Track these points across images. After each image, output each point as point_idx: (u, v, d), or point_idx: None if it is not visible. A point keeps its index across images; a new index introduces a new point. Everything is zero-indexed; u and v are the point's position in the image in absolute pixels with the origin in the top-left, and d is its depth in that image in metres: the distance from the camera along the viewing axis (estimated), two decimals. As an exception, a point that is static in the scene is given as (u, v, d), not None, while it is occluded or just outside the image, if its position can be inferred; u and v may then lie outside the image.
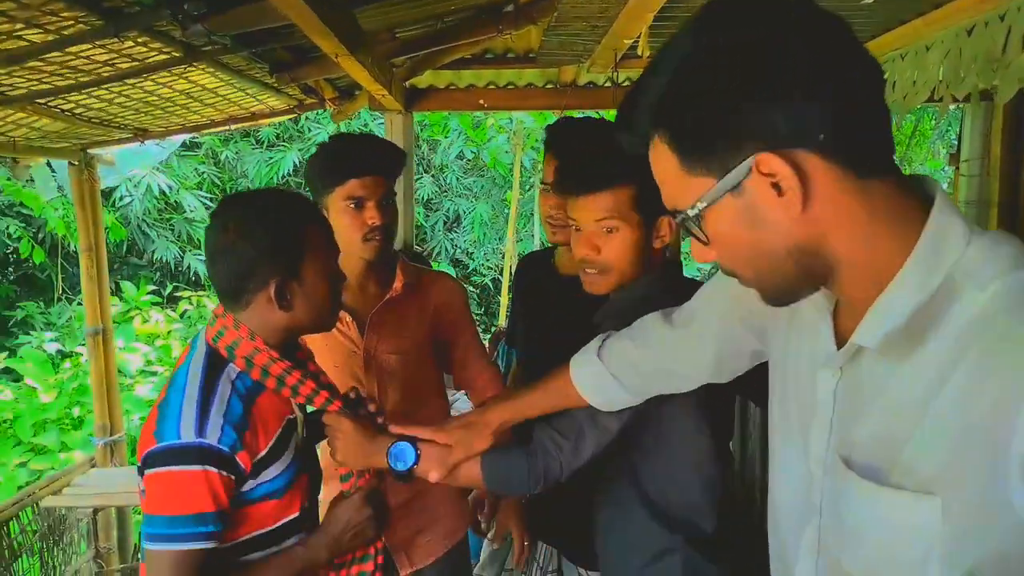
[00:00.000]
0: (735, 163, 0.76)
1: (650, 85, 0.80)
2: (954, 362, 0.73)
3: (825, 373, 0.89)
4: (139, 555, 3.96)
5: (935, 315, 0.75)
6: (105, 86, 2.73)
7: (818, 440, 0.91)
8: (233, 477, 1.31)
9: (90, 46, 2.26)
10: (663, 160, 0.82)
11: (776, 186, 0.75)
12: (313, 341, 1.75)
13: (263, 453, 1.35)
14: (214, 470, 1.27)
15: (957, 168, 3.97)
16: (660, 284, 1.51)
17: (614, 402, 1.34)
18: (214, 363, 1.37)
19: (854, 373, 0.85)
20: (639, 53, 2.34)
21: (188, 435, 1.27)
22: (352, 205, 1.78)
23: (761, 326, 1.09)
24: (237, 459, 1.30)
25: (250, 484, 1.35)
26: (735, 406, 1.66)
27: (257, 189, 1.49)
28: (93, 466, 3.95)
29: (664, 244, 1.50)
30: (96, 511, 3.71)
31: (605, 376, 1.32)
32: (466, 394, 2.17)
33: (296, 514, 1.44)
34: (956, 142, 4.10)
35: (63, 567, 3.74)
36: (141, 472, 1.31)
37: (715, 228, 0.82)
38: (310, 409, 1.52)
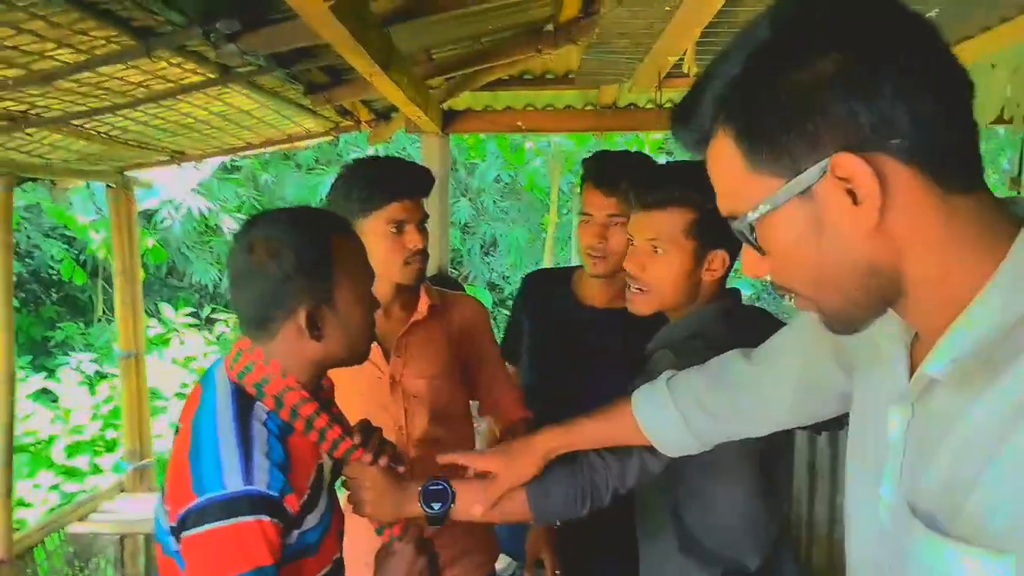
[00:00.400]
0: (809, 163, 0.67)
1: (719, 73, 0.72)
2: None
3: (897, 410, 0.80)
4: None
5: (1018, 347, 0.66)
6: (140, 108, 2.71)
7: (889, 487, 0.81)
8: (283, 525, 1.17)
9: (123, 66, 2.24)
10: (725, 157, 0.73)
11: (851, 193, 0.66)
12: (336, 370, 1.67)
13: (307, 496, 1.23)
14: (267, 519, 1.13)
15: (1019, 192, 3.79)
16: (715, 320, 1.44)
17: (677, 445, 1.25)
18: (243, 403, 1.23)
19: (926, 411, 0.76)
20: (685, 71, 2.24)
21: (235, 483, 1.12)
22: (393, 229, 1.73)
23: (850, 364, 0.97)
24: (286, 504, 1.17)
25: (293, 535, 1.21)
26: (790, 439, 1.58)
27: (283, 208, 1.36)
28: (122, 491, 3.90)
29: (714, 279, 1.45)
30: (123, 537, 3.66)
31: (671, 412, 1.23)
32: (490, 418, 2.11)
33: (329, 567, 1.31)
34: (1010, 166, 3.91)
35: (90, 593, 3.69)
36: (178, 534, 1.15)
37: (775, 237, 0.73)
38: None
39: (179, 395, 6.32)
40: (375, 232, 1.73)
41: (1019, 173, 3.85)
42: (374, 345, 1.74)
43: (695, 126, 0.76)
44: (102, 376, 7.04)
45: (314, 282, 1.23)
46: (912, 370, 0.79)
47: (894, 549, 0.80)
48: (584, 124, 3.87)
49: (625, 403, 1.28)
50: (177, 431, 1.27)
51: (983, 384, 0.69)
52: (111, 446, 5.80)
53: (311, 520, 1.24)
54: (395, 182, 1.75)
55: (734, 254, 1.43)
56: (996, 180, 10.86)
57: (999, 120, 2.41)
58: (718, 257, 1.43)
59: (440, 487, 1.35)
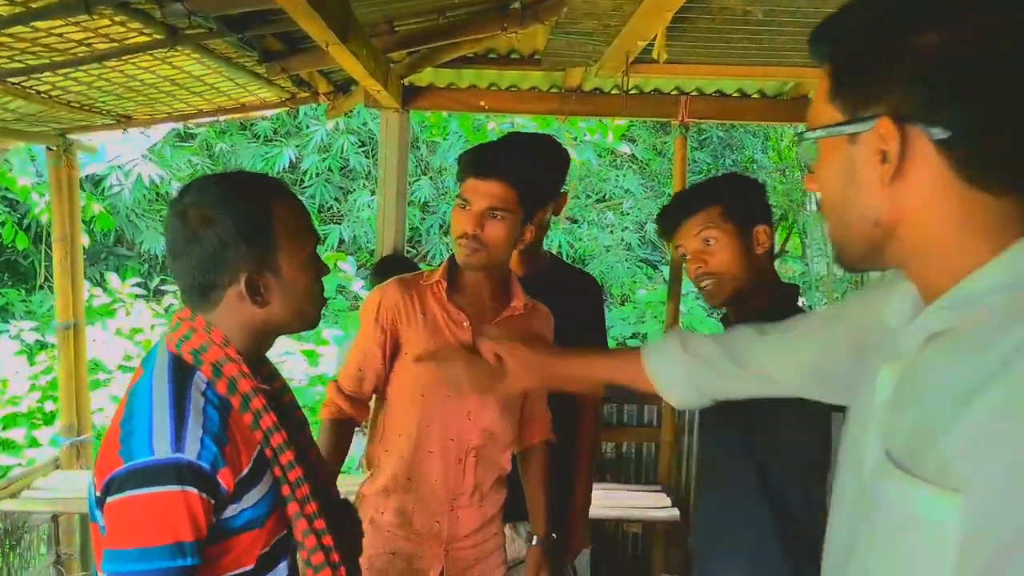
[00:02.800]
0: (864, 115, 0.77)
1: (847, 14, 0.82)
2: (1011, 362, 0.71)
3: (886, 369, 0.87)
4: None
5: (1005, 316, 0.74)
6: (83, 67, 2.57)
7: (873, 445, 0.86)
8: (213, 501, 1.12)
9: (62, 22, 2.11)
10: (822, 80, 0.83)
11: (883, 153, 0.76)
12: (418, 335, 1.77)
13: (245, 472, 1.18)
14: (194, 491, 1.09)
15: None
16: (785, 305, 1.66)
17: (680, 395, 1.34)
18: (181, 371, 1.20)
19: (915, 371, 0.82)
20: (655, 57, 2.18)
21: (163, 450, 1.09)
22: (461, 203, 1.77)
23: (862, 340, 1.02)
24: (219, 479, 1.12)
25: (232, 509, 1.17)
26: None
27: (218, 173, 1.33)
28: (57, 467, 3.76)
29: (765, 250, 1.68)
30: (56, 516, 3.53)
31: (679, 366, 1.31)
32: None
33: (270, 548, 1.24)
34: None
35: (20, 572, 3.55)
36: (101, 503, 1.11)
37: (822, 160, 0.85)
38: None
39: (123, 368, 6.12)
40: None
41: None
42: (467, 324, 1.81)
43: (818, 51, 0.84)
44: (42, 346, 6.81)
45: (254, 247, 1.20)
46: None
47: (868, 506, 0.85)
48: (548, 107, 3.80)
49: (636, 351, 1.38)
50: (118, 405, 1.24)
51: (966, 345, 0.76)
52: (49, 419, 5.61)
53: (251, 498, 1.19)
54: (474, 158, 1.77)
55: (774, 228, 1.71)
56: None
57: None
58: (761, 231, 1.68)
59: None
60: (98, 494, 1.13)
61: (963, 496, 0.71)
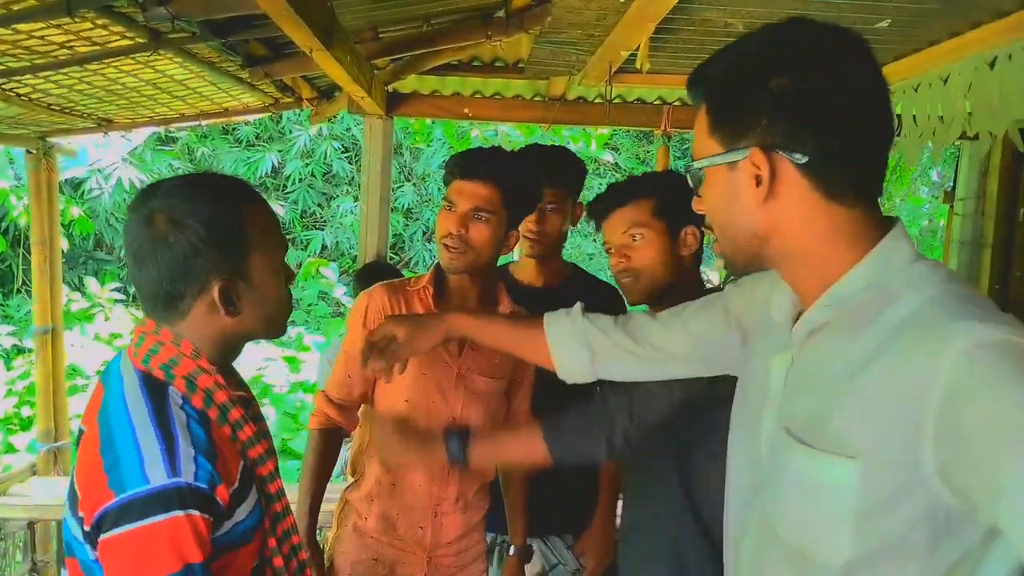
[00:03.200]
0: (739, 146, 0.93)
1: (718, 61, 0.97)
2: (886, 346, 0.87)
3: (778, 360, 1.04)
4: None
5: (875, 310, 0.91)
6: (64, 70, 2.55)
7: (768, 421, 1.04)
8: (212, 519, 1.06)
9: (44, 25, 2.09)
10: (701, 117, 0.99)
11: (757, 178, 0.92)
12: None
13: (236, 485, 1.12)
14: (196, 513, 1.03)
15: (951, 207, 3.87)
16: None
17: (576, 369, 1.42)
18: (154, 388, 1.11)
19: (803, 359, 1.00)
20: (638, 67, 2.19)
21: (159, 477, 1.01)
22: (447, 205, 1.76)
23: (745, 335, 1.22)
24: (216, 496, 1.06)
25: (227, 525, 1.11)
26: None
27: (184, 175, 1.24)
28: (34, 473, 3.71)
29: (691, 252, 1.65)
30: (33, 523, 3.48)
31: (579, 343, 1.40)
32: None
33: (260, 561, 1.20)
34: (952, 180, 3.99)
35: (-5, 580, 3.51)
36: (93, 539, 1.04)
37: (707, 185, 1.00)
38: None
39: (101, 373, 6.07)
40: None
41: (953, 186, 3.94)
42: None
43: (694, 94, 1.00)
44: (20, 351, 6.74)
45: (226, 254, 1.13)
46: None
47: (770, 470, 1.03)
48: (532, 115, 3.81)
49: (539, 323, 1.45)
50: (80, 436, 1.14)
51: (843, 338, 0.93)
52: (26, 425, 5.54)
53: (242, 512, 1.13)
54: (460, 160, 1.77)
55: (703, 231, 1.64)
56: (927, 193, 11.23)
57: (963, 136, 2.43)
58: (689, 233, 1.63)
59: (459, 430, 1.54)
60: (86, 529, 1.05)
61: (859, 461, 0.88)
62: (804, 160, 0.90)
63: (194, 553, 1.02)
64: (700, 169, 0.99)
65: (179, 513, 1.01)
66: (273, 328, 1.25)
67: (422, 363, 1.77)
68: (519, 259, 2.33)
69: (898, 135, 2.56)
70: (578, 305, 1.46)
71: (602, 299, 2.24)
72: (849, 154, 0.91)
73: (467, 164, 1.73)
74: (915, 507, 0.85)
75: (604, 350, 1.39)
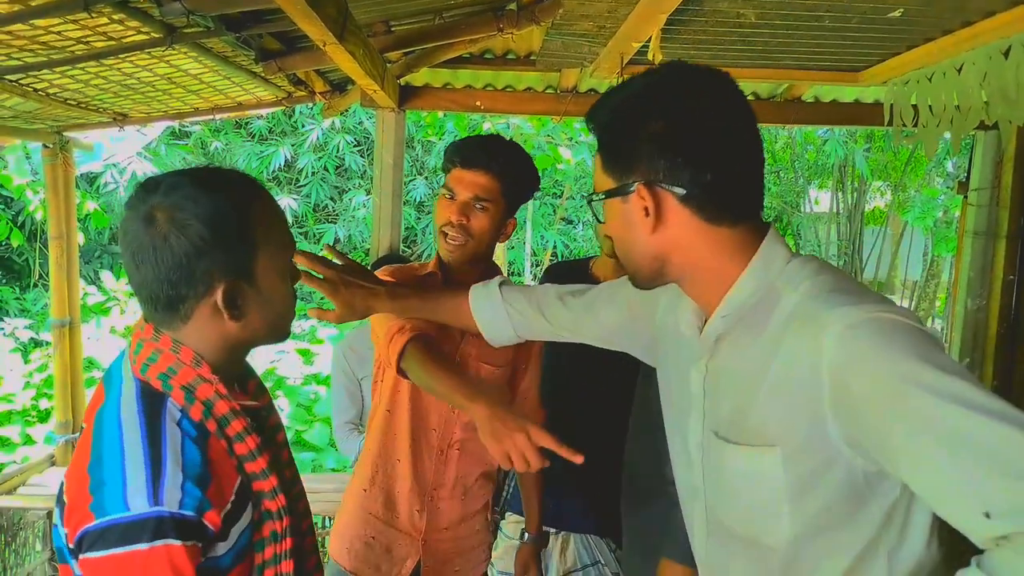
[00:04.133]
0: (627, 180, 1.06)
1: (606, 103, 1.10)
2: (780, 341, 1.00)
3: (695, 370, 1.15)
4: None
5: (766, 312, 1.04)
6: (80, 66, 2.58)
7: (695, 427, 1.16)
8: (200, 545, 1.01)
9: (60, 20, 2.12)
10: (597, 156, 1.12)
11: (645, 209, 1.05)
12: None
13: (230, 506, 1.06)
14: (177, 543, 0.97)
15: (966, 197, 3.85)
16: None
17: (499, 330, 1.60)
18: (150, 400, 1.06)
19: (715, 366, 1.12)
20: (650, 59, 2.19)
21: (139, 505, 0.97)
22: (446, 193, 1.77)
23: (655, 338, 1.33)
24: (205, 521, 1.01)
25: (221, 548, 1.05)
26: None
27: (187, 169, 1.15)
28: (53, 464, 3.76)
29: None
30: (52, 512, 3.53)
31: (500, 306, 1.58)
32: None
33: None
34: (967, 170, 3.96)
35: (15, 568, 3.55)
36: (75, 553, 1.01)
37: (607, 215, 1.13)
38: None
39: (117, 366, 6.12)
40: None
41: (968, 177, 3.91)
42: None
43: (591, 127, 1.13)
44: (37, 344, 6.81)
45: (232, 255, 1.07)
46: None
47: (705, 471, 1.15)
48: (544, 107, 3.80)
49: (462, 295, 1.61)
50: (82, 431, 1.12)
51: (747, 341, 1.06)
52: (44, 417, 5.60)
53: (236, 531, 1.08)
54: (459, 149, 1.77)
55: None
56: (941, 184, 11.13)
57: (981, 126, 2.42)
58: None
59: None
60: (70, 545, 1.02)
61: (778, 447, 1.00)
62: (683, 192, 1.02)
63: None
64: (599, 201, 1.12)
65: (157, 543, 0.97)
66: (278, 332, 1.20)
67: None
68: (595, 263, 2.32)
69: (914, 126, 2.56)
70: (495, 280, 1.60)
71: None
72: (722, 184, 1.02)
73: (466, 153, 1.74)
74: (837, 477, 0.97)
75: (521, 325, 1.58)
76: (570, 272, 2.38)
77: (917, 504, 0.99)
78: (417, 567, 1.86)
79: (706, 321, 1.13)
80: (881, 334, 0.91)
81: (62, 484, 1.08)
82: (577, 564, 2.27)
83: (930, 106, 2.40)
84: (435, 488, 1.86)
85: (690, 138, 1.02)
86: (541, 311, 1.54)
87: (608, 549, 2.28)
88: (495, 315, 1.58)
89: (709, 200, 1.03)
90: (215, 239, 1.04)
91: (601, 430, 1.99)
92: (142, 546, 0.97)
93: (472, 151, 1.74)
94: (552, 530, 2.24)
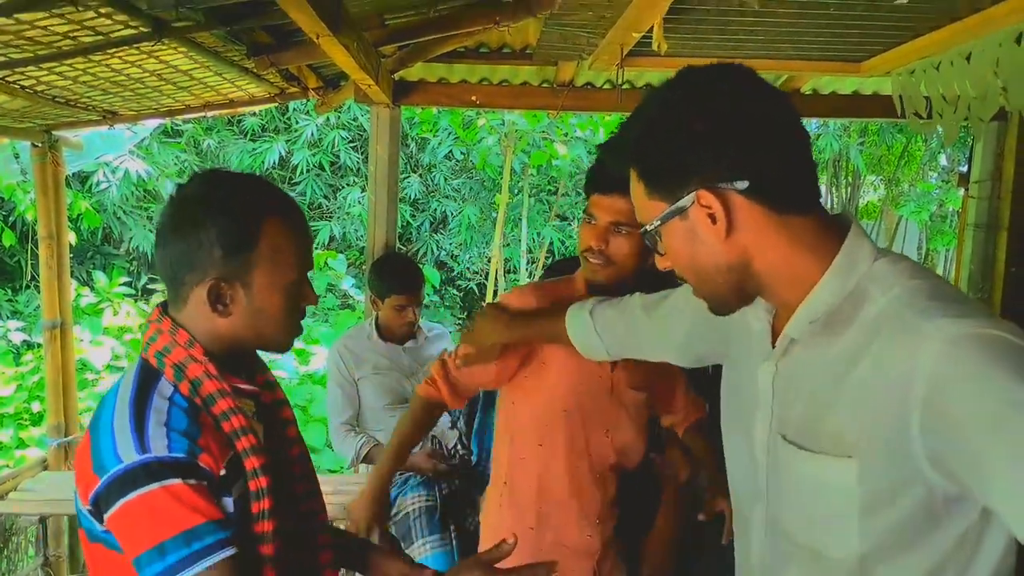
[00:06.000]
0: (683, 194, 0.99)
1: (629, 131, 1.06)
2: (865, 346, 0.94)
3: (765, 368, 1.10)
4: (91, 564, 3.73)
5: (849, 313, 0.98)
6: (68, 62, 2.53)
7: (761, 428, 1.11)
8: (206, 483, 1.09)
9: (46, 14, 2.06)
10: (635, 186, 1.06)
11: (712, 216, 0.97)
12: (561, 359, 1.78)
13: (224, 472, 1.13)
14: (176, 481, 1.06)
15: (966, 190, 3.82)
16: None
17: (592, 350, 1.65)
18: (145, 377, 1.16)
19: (788, 365, 1.06)
20: (655, 49, 2.14)
21: (129, 455, 1.06)
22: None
23: (727, 336, 1.27)
24: (201, 463, 1.09)
25: (229, 499, 1.13)
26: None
27: (231, 172, 1.26)
28: (45, 468, 3.71)
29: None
30: (45, 518, 3.48)
31: (591, 331, 1.61)
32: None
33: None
34: (967, 162, 3.94)
35: (8, 574, 3.50)
36: (97, 516, 1.10)
37: (667, 243, 1.05)
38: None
39: (111, 368, 6.06)
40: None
41: (968, 169, 3.88)
42: None
43: (620, 164, 1.09)
44: (29, 346, 6.74)
45: (230, 257, 1.16)
46: (774, 339, 1.09)
47: (770, 475, 1.09)
48: (540, 102, 3.76)
49: (562, 315, 1.67)
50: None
51: (825, 342, 1.00)
52: (37, 420, 5.54)
53: (229, 502, 1.14)
54: (597, 173, 1.77)
55: None
56: (936, 179, 11.12)
57: (996, 117, 2.39)
58: None
59: None
60: (88, 508, 1.11)
61: (855, 459, 0.95)
62: (746, 184, 0.96)
63: (184, 518, 1.06)
64: (654, 230, 1.05)
65: (155, 486, 1.06)
66: (269, 343, 1.25)
67: (581, 377, 1.80)
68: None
69: (928, 115, 2.52)
70: (593, 300, 1.63)
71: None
72: (781, 168, 0.98)
73: (605, 178, 1.70)
74: (914, 496, 0.92)
75: (612, 344, 1.60)
76: (572, 270, 2.28)
77: (990, 530, 0.94)
78: None
79: (775, 315, 1.10)
80: (985, 352, 0.85)
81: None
82: None
83: (943, 95, 2.36)
84: (600, 510, 1.88)
85: (736, 127, 0.96)
86: (629, 324, 1.54)
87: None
88: (587, 335, 1.62)
89: (774, 187, 0.98)
90: (219, 241, 1.14)
91: None
92: (143, 490, 1.06)
93: (609, 175, 1.68)
94: None
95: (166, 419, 1.10)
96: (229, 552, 1.08)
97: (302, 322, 1.31)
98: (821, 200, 1.03)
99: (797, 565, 1.08)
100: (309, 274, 1.27)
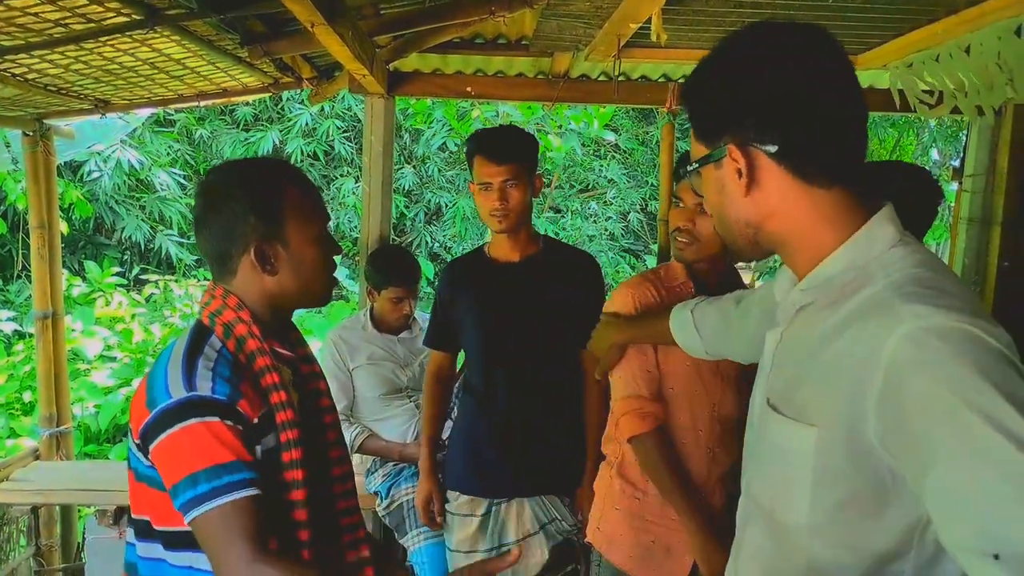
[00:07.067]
0: (719, 144, 1.03)
1: (692, 76, 1.07)
2: (848, 323, 0.96)
3: (772, 335, 1.15)
4: (83, 554, 3.72)
5: (851, 291, 0.98)
6: (59, 50, 2.50)
7: (759, 393, 1.15)
8: (241, 428, 1.25)
9: (37, 1, 2.04)
10: (691, 126, 1.10)
11: (738, 171, 1.01)
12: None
13: (259, 416, 1.29)
14: (215, 419, 1.22)
15: (960, 183, 3.81)
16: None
17: (693, 349, 1.74)
18: (199, 332, 1.35)
19: (789, 336, 1.10)
20: (654, 40, 2.13)
21: (178, 392, 1.23)
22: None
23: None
24: (239, 408, 1.25)
25: (259, 448, 1.28)
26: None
27: (245, 157, 1.40)
28: (37, 458, 3.69)
29: None
30: (36, 507, 3.46)
31: (691, 327, 1.69)
32: None
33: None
34: (960, 156, 3.93)
35: (0, 564, 3.49)
36: (143, 449, 1.27)
37: (703, 185, 1.11)
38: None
39: (102, 358, 6.03)
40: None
41: (961, 163, 3.88)
42: None
43: (683, 103, 1.12)
44: (20, 335, 6.70)
45: (265, 220, 1.34)
46: None
47: (755, 438, 1.15)
48: (535, 93, 3.74)
49: (667, 314, 1.77)
50: None
51: (822, 318, 1.01)
52: (28, 409, 5.51)
53: (259, 450, 1.27)
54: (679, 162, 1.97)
55: None
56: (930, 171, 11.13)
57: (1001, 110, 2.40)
58: None
59: None
60: (138, 442, 1.28)
61: (816, 428, 0.98)
62: (775, 149, 0.98)
63: (221, 453, 1.21)
64: (696, 171, 1.10)
65: (198, 420, 1.21)
66: (313, 292, 1.42)
67: (687, 356, 1.87)
68: (488, 244, 2.50)
69: (936, 103, 2.51)
70: (696, 299, 1.74)
71: (579, 266, 2.42)
72: (815, 139, 0.98)
73: (679, 166, 1.89)
74: (864, 473, 0.94)
75: (711, 342, 1.68)
76: (468, 264, 2.55)
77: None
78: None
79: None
80: (955, 345, 0.85)
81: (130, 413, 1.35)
82: (534, 526, 2.36)
83: (949, 83, 2.35)
84: (705, 484, 1.96)
85: (778, 92, 0.97)
86: (723, 319, 1.62)
87: (562, 504, 2.39)
88: (688, 334, 1.72)
89: (803, 156, 0.99)
90: (252, 207, 1.33)
91: None
92: (187, 423, 1.21)
93: (683, 161, 1.91)
94: (504, 499, 2.38)
95: (213, 365, 1.27)
96: (253, 491, 1.22)
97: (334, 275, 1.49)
98: (862, 173, 1.02)
99: (755, 525, 1.14)
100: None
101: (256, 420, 1.28)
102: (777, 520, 1.07)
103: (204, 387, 1.23)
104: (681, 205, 1.91)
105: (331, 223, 9.20)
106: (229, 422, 1.23)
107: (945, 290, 0.92)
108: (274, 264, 1.36)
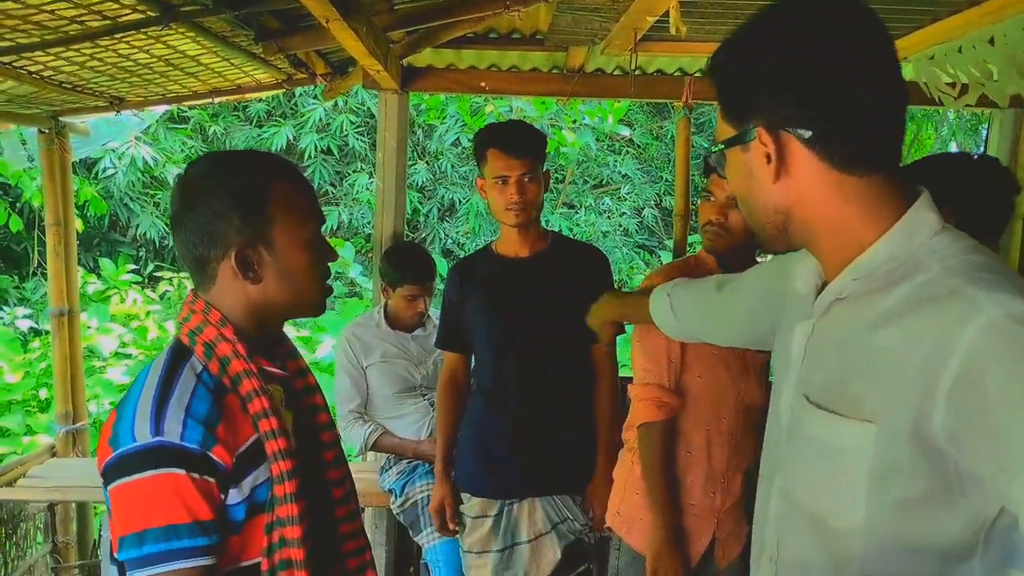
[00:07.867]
0: (748, 126, 0.96)
1: (719, 50, 1.00)
2: (905, 312, 0.89)
3: (802, 327, 1.07)
4: (99, 551, 3.74)
5: (898, 280, 0.92)
6: (75, 47, 2.50)
7: (788, 390, 1.08)
8: (212, 480, 1.11)
9: (52, -3, 2.04)
10: (718, 107, 1.03)
11: (767, 156, 0.95)
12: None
13: (243, 449, 1.15)
14: (180, 472, 1.08)
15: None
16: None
17: (670, 330, 1.74)
18: (177, 355, 1.20)
19: (825, 326, 1.02)
20: (673, 33, 2.10)
21: (143, 435, 1.09)
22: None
23: (783, 308, 1.23)
24: (212, 456, 1.10)
25: (234, 496, 1.14)
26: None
27: (227, 150, 1.30)
28: (53, 455, 3.71)
29: None
30: (53, 504, 3.48)
31: (667, 308, 1.69)
32: None
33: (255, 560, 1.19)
34: (981, 149, 3.88)
35: (16, 561, 3.51)
36: (104, 486, 1.14)
37: (729, 167, 1.04)
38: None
39: (118, 355, 6.06)
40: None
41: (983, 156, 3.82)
42: None
43: (710, 79, 1.03)
44: (36, 333, 6.75)
45: (248, 220, 1.17)
46: None
47: (788, 438, 1.07)
48: (550, 88, 3.71)
49: (647, 296, 1.78)
50: None
51: (866, 304, 0.95)
52: (45, 406, 5.55)
53: (248, 484, 1.16)
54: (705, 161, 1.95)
55: None
56: (948, 163, 11.02)
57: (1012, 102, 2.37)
58: None
59: None
60: (101, 475, 1.14)
61: (875, 424, 0.91)
62: (808, 134, 0.92)
63: (177, 513, 1.07)
64: (721, 152, 1.03)
65: (160, 471, 1.07)
66: (303, 304, 1.27)
67: (723, 351, 1.94)
68: (496, 241, 2.50)
69: (959, 93, 2.47)
70: (673, 281, 1.74)
71: (589, 261, 2.43)
72: (852, 124, 0.91)
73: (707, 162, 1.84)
74: (925, 469, 0.87)
75: (686, 323, 1.68)
76: (473, 264, 2.55)
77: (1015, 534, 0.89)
78: (712, 542, 2.02)
79: (825, 282, 1.05)
80: None
81: None
82: (546, 526, 2.37)
83: (976, 73, 2.31)
84: (725, 471, 2.00)
85: (811, 71, 0.90)
86: (702, 303, 1.61)
87: (574, 503, 2.40)
88: (665, 315, 1.72)
89: (839, 142, 0.92)
90: (233, 205, 1.16)
91: None
92: (147, 474, 1.08)
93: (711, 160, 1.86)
94: (516, 499, 2.37)
95: (188, 401, 1.12)
96: (205, 561, 1.09)
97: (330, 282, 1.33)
98: (899, 160, 0.97)
99: (797, 536, 1.05)
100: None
101: (235, 458, 1.14)
102: (827, 526, 0.99)
103: (173, 431, 1.08)
104: (712, 199, 1.93)
105: (344, 218, 9.22)
106: (196, 475, 1.09)
107: (1009, 275, 0.87)
108: (257, 271, 1.20)
